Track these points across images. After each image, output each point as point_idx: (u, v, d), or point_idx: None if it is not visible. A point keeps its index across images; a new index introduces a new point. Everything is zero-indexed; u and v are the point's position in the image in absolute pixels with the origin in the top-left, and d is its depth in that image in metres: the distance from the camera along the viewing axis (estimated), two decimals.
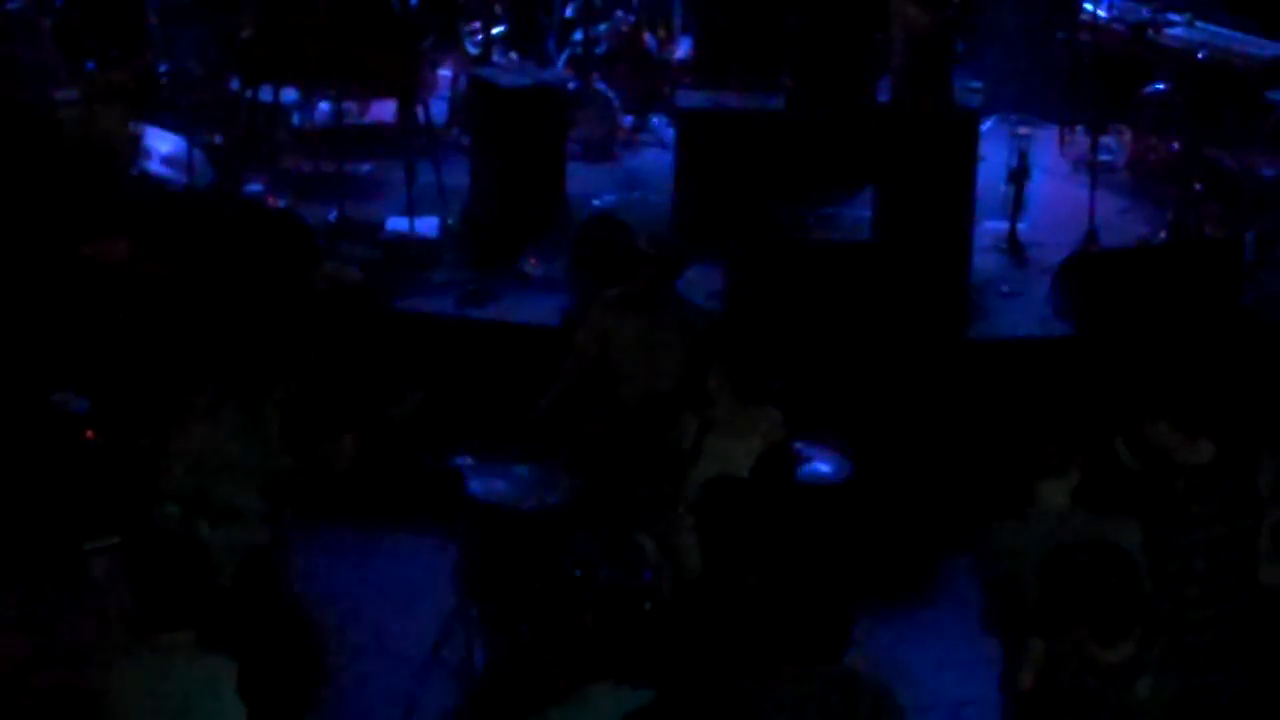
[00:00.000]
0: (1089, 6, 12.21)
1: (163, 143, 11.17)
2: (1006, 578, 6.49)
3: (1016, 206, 11.03)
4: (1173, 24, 12.05)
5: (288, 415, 7.47)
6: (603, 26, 12.79)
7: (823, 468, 8.34)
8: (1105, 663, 5.77)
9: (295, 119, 12.14)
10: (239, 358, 7.34)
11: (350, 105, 12.13)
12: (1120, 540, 6.17)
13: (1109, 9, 12.20)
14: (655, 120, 12.59)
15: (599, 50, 12.64)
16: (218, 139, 11.67)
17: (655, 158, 12.11)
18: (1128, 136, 12.11)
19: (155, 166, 11.01)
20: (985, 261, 10.70)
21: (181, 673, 5.69)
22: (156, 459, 7.30)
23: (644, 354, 8.62)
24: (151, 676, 5.70)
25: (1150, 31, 11.97)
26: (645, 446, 8.24)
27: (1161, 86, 11.79)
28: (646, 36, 12.84)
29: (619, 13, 12.92)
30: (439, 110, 12.33)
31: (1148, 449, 6.79)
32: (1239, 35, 11.95)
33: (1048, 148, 12.28)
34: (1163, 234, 10.94)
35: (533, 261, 10.55)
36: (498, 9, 12.98)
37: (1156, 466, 6.76)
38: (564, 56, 12.73)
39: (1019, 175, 11.03)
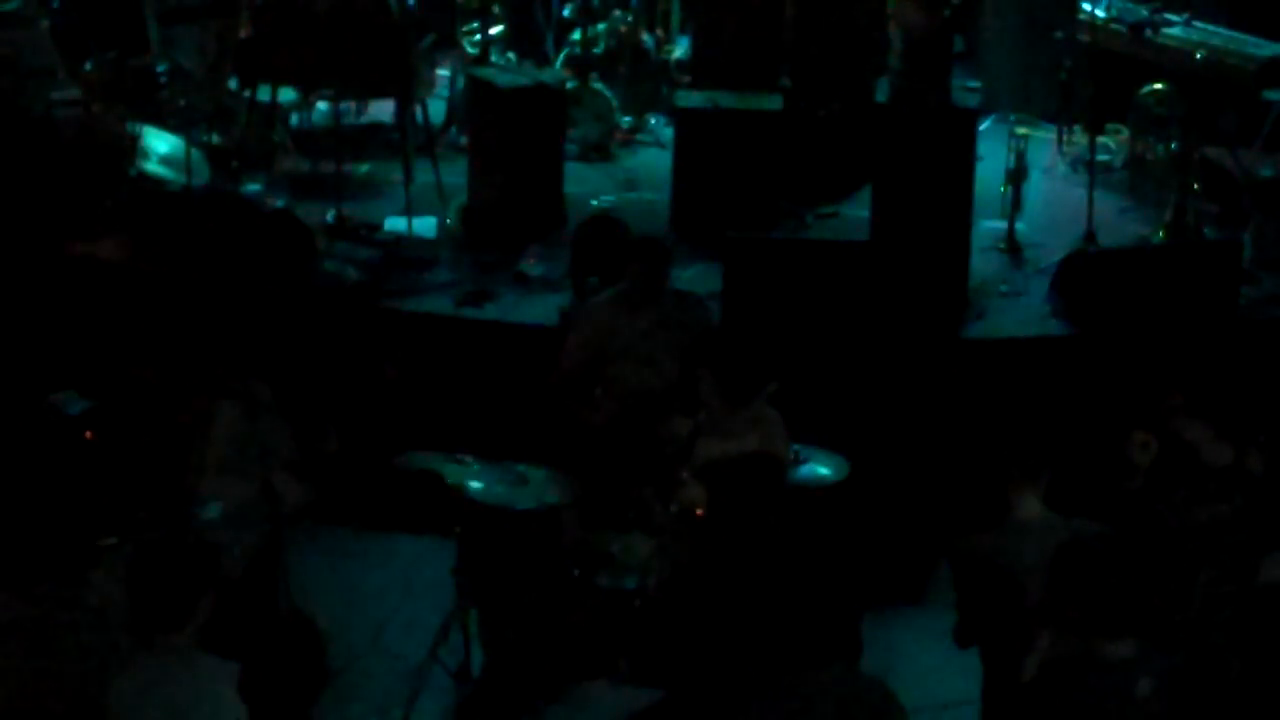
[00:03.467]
0: (1087, 6, 12.22)
1: (161, 143, 11.17)
2: (996, 581, 6.50)
3: (1014, 206, 11.04)
4: (1171, 24, 12.06)
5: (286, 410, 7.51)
6: (601, 26, 12.79)
7: (820, 468, 8.35)
8: (1107, 658, 5.78)
9: (293, 119, 12.15)
10: (238, 356, 7.36)
11: (348, 105, 12.12)
12: None
13: (1107, 9, 12.21)
14: (653, 120, 12.59)
15: (597, 50, 12.64)
16: (216, 139, 11.67)
17: (653, 158, 12.11)
18: (1126, 136, 12.12)
19: (153, 166, 11.01)
20: (983, 261, 10.71)
21: (181, 675, 5.68)
22: (184, 460, 7.31)
23: (639, 354, 8.64)
24: (151, 679, 5.69)
25: (1148, 31, 11.98)
26: (639, 447, 8.26)
27: (1159, 86, 11.80)
28: (644, 36, 12.84)
29: (617, 12, 12.92)
30: (437, 110, 12.34)
31: (1174, 446, 6.81)
32: (1237, 35, 11.96)
33: (1046, 147, 12.29)
34: (1161, 234, 10.95)
35: (531, 261, 10.55)
36: (496, 9, 12.99)
37: (1174, 464, 6.78)
38: (562, 56, 12.73)
39: (1017, 175, 11.03)
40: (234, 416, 7.33)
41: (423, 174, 11.36)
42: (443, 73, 12.68)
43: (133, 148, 10.95)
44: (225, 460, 7.32)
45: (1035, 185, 11.41)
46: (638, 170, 12.03)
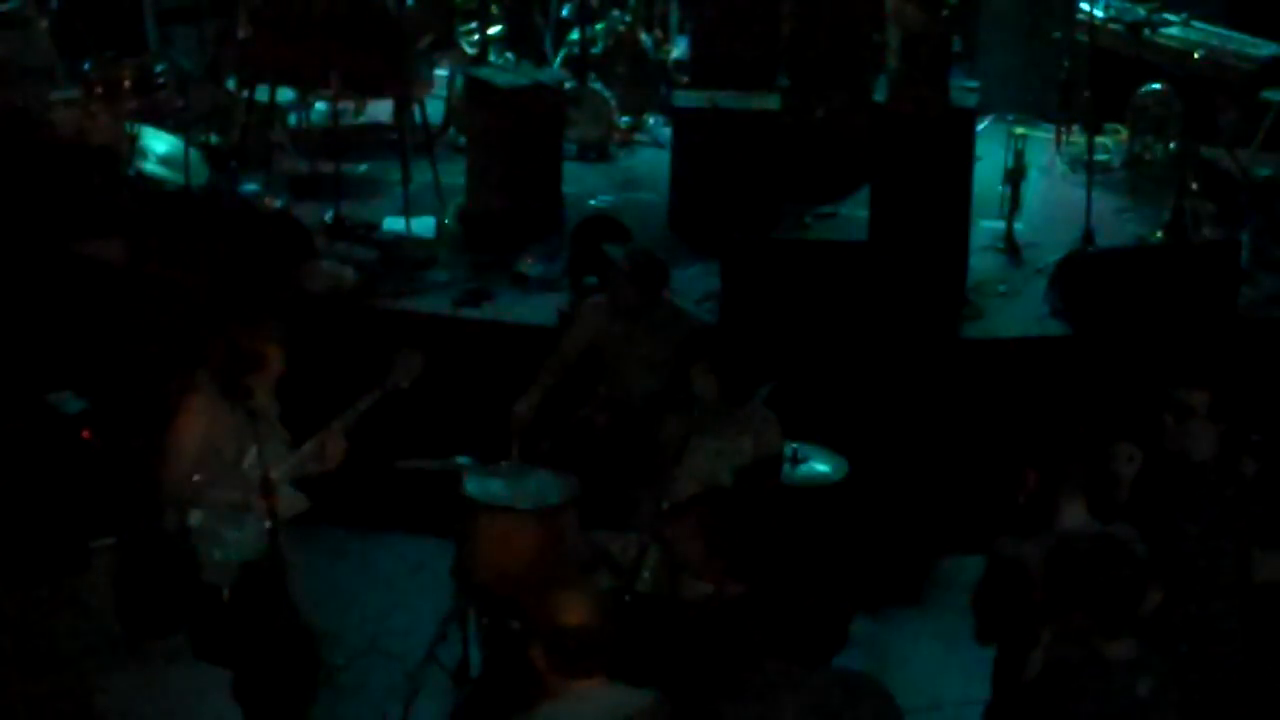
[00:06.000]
0: (1085, 6, 12.22)
1: (159, 143, 11.16)
2: (1012, 580, 6.49)
3: (1013, 206, 11.03)
4: (1169, 24, 12.06)
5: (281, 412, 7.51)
6: (599, 26, 12.80)
7: (820, 467, 8.35)
8: (1108, 658, 5.78)
9: (292, 119, 12.15)
10: (231, 354, 7.34)
11: (347, 105, 12.12)
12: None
13: (1105, 9, 12.21)
14: (651, 120, 12.59)
15: (595, 50, 12.64)
16: (214, 139, 11.67)
17: (651, 158, 12.12)
18: (1124, 136, 12.12)
19: (152, 166, 11.01)
20: (982, 261, 10.71)
21: (173, 680, 5.66)
22: (158, 463, 7.30)
23: (634, 358, 8.66)
24: (141, 684, 5.66)
25: (1147, 31, 11.98)
26: (635, 447, 8.26)
27: (1158, 86, 11.80)
28: (643, 36, 12.84)
29: (615, 13, 12.92)
30: (435, 110, 12.34)
31: (1168, 453, 6.81)
32: (1235, 35, 11.96)
33: (1044, 147, 12.29)
34: (1159, 234, 10.95)
35: (529, 261, 10.55)
36: (494, 9, 12.99)
37: (1166, 473, 6.78)
38: (560, 56, 12.73)
39: (1015, 175, 11.03)
40: (209, 418, 7.31)
41: (421, 174, 11.35)
42: (441, 73, 12.68)
43: (131, 148, 10.94)
44: (211, 463, 7.30)
45: (1034, 185, 11.41)
46: (636, 170, 12.04)
